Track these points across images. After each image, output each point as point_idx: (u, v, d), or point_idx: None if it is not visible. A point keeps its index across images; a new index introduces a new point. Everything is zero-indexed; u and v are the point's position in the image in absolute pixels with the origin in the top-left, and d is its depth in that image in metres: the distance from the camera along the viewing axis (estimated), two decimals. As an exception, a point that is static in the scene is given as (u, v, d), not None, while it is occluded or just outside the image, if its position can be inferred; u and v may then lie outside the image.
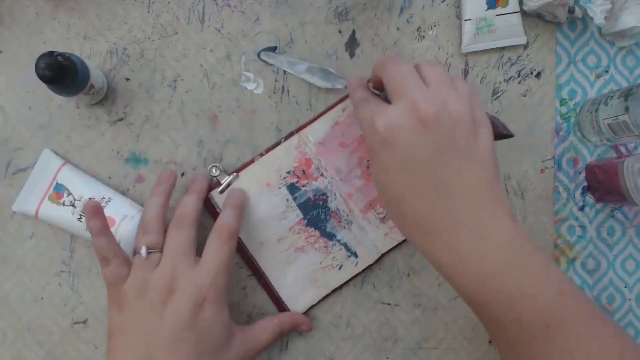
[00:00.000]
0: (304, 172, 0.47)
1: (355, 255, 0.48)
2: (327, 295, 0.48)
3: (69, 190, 0.45)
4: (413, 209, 0.38)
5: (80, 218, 0.45)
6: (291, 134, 0.48)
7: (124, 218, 0.44)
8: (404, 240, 0.48)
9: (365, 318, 0.49)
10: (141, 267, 0.42)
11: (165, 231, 0.43)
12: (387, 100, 0.40)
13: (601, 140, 0.48)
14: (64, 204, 0.45)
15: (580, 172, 0.50)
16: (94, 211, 0.41)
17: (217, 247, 0.43)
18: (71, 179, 0.45)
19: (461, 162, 0.37)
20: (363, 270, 0.48)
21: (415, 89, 0.37)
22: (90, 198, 0.45)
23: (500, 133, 0.41)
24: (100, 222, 0.41)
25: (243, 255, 0.48)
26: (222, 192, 0.47)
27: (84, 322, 0.47)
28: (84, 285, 0.47)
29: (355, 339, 0.49)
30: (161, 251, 0.42)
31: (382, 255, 0.48)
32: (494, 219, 0.37)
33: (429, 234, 0.38)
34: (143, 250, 0.42)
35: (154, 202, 0.43)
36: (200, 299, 0.41)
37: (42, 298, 0.47)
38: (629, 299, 0.50)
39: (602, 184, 0.48)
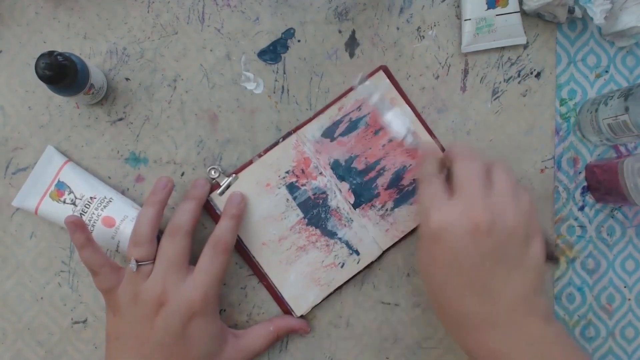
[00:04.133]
0: (303, 171, 0.47)
1: (357, 252, 0.48)
2: (328, 295, 0.48)
3: (70, 189, 0.45)
4: (453, 303, 0.39)
5: (80, 217, 0.45)
6: (289, 134, 0.48)
7: (125, 219, 0.44)
8: (405, 237, 0.49)
9: (365, 318, 0.49)
10: (132, 278, 0.42)
11: (157, 239, 0.43)
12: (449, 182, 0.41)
13: (601, 140, 0.48)
14: (64, 202, 0.45)
15: (580, 172, 0.50)
16: (76, 225, 0.41)
17: (210, 260, 0.43)
18: (73, 177, 0.45)
19: (508, 272, 0.38)
20: (363, 269, 0.48)
21: (478, 193, 0.38)
22: (91, 197, 0.45)
23: (549, 253, 0.41)
24: (83, 235, 0.41)
25: (244, 256, 0.48)
26: (221, 194, 0.47)
27: (84, 321, 0.47)
28: (84, 285, 0.47)
29: (355, 339, 0.49)
30: (152, 262, 0.42)
31: (384, 253, 0.48)
32: (527, 321, 0.38)
33: (464, 327, 0.39)
34: (133, 264, 0.42)
35: (147, 213, 0.43)
36: (189, 312, 0.41)
37: (42, 298, 0.47)
38: (629, 299, 0.50)
39: (602, 184, 0.48)
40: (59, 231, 0.47)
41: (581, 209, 0.50)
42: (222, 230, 0.44)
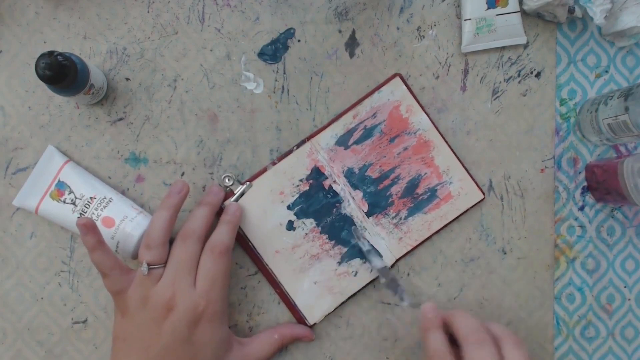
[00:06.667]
0: (316, 179, 0.47)
1: (370, 261, 0.48)
2: (340, 303, 0.48)
3: (70, 189, 0.45)
4: None
5: (80, 217, 0.45)
6: (303, 142, 0.47)
7: (124, 219, 0.44)
8: (418, 245, 0.48)
9: (365, 318, 0.49)
10: (143, 281, 0.42)
11: (170, 243, 0.43)
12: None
13: (601, 140, 0.48)
14: (64, 202, 0.45)
15: (580, 172, 0.50)
16: (87, 227, 0.40)
17: (210, 265, 0.43)
18: (73, 177, 0.45)
19: None
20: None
21: None
22: (91, 197, 0.45)
23: None
24: (94, 237, 0.41)
25: (258, 264, 0.47)
26: (235, 201, 0.47)
27: (84, 321, 0.47)
28: (84, 285, 0.47)
29: (355, 339, 0.49)
30: (164, 266, 0.42)
31: (397, 261, 0.48)
32: None
33: None
34: (144, 267, 0.42)
35: (161, 216, 0.43)
36: (196, 318, 0.41)
37: (42, 298, 0.47)
38: (629, 299, 0.50)
39: (602, 184, 0.48)
40: (59, 231, 0.47)
41: (581, 209, 0.50)
42: (218, 235, 0.44)
